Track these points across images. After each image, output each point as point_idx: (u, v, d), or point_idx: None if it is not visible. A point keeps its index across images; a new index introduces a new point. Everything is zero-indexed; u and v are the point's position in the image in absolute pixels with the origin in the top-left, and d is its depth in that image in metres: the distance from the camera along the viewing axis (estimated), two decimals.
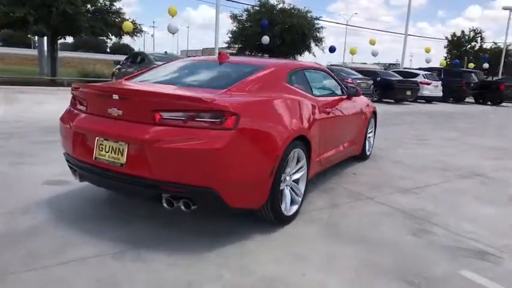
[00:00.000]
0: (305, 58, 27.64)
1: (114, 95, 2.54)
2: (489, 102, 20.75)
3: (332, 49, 25.06)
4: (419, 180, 4.60)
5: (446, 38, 37.85)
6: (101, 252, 2.42)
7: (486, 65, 30.11)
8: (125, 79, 3.34)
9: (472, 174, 5.04)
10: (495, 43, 37.64)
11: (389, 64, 57.87)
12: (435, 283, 2.34)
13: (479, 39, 37.05)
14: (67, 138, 2.81)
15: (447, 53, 37.76)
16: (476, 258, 2.70)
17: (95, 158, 2.59)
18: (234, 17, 26.82)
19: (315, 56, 27.05)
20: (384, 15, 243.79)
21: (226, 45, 26.86)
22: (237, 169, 2.42)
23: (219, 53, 3.55)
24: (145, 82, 3.18)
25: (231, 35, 27.02)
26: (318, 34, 26.03)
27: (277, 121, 2.76)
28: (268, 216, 2.82)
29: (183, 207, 2.43)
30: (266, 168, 2.59)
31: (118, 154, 2.49)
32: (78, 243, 2.51)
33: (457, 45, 36.93)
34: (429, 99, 18.78)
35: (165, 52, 12.29)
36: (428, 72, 18.96)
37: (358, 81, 15.39)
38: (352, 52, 25.23)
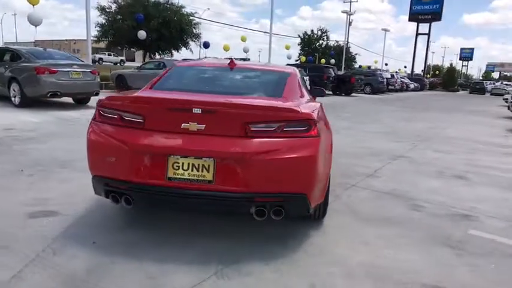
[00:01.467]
0: (183, 54, 27.47)
1: (195, 109, 2.39)
2: (343, 94, 24.22)
3: (206, 45, 25.42)
4: (368, 165, 5.38)
5: (299, 36, 42.60)
6: (198, 275, 2.31)
7: (333, 61, 34.93)
8: (148, 89, 3.05)
9: (397, 156, 6.12)
10: (337, 41, 44.03)
11: (241, 59, 61.26)
12: (465, 244, 2.98)
13: (325, 37, 42.80)
14: (118, 159, 2.48)
15: (300, 50, 42.48)
16: (467, 220, 3.48)
17: (168, 178, 2.40)
18: (102, 9, 24.82)
19: (192, 52, 27.18)
20: (229, 11, 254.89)
21: (95, 38, 24.59)
22: (320, 172, 2.60)
23: (230, 59, 3.54)
24: (187, 92, 2.93)
25: (99, 28, 24.95)
26: (195, 30, 26.17)
27: (326, 123, 3.02)
28: (319, 212, 3.05)
29: (273, 216, 2.49)
30: (330, 167, 2.86)
31: (202, 171, 2.38)
32: (164, 272, 2.33)
33: (309, 43, 41.87)
34: None
35: (44, 49, 10.46)
36: (298, 69, 21.02)
37: None
38: (226, 49, 26.07)
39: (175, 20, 24.10)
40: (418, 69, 60.13)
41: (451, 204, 3.88)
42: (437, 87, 47.16)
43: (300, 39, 42.65)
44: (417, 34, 48.33)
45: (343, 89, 24.08)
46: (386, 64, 52.00)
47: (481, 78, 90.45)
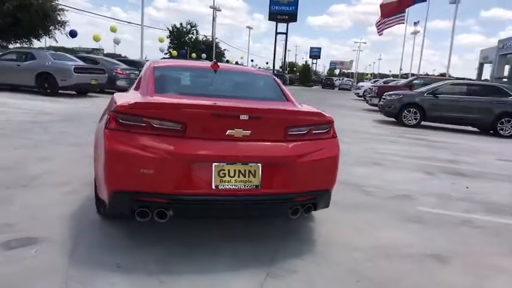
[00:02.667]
0: (46, 43, 23.83)
1: (242, 116, 2.37)
2: None
3: (73, 33, 22.72)
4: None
5: (168, 28, 41.57)
6: (254, 278, 2.35)
7: (204, 55, 35.33)
8: (153, 93, 2.79)
9: None
10: (205, 36, 44.48)
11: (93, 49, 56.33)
12: (422, 218, 3.66)
13: (195, 31, 42.80)
14: (156, 170, 2.28)
15: (170, 43, 41.52)
16: (409, 199, 4.24)
17: (216, 186, 2.35)
18: None
19: (56, 41, 23.78)
20: None
21: None
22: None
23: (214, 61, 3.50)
24: (204, 96, 2.81)
25: None
26: (60, 17, 22.84)
27: None
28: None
29: (304, 213, 2.67)
30: None
31: (249, 176, 2.40)
32: (221, 283, 2.29)
33: (178, 36, 41.24)
34: None
35: None
36: None
37: (127, 72, 15.24)
38: (96, 39, 23.73)
39: (35, 4, 20.72)
40: (277, 65, 65.23)
41: (388, 187, 4.63)
42: (295, 83, 52.27)
43: (168, 32, 41.77)
44: (276, 33, 52.32)
45: None
46: (252, 60, 55.06)
47: (326, 74, 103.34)
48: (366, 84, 25.60)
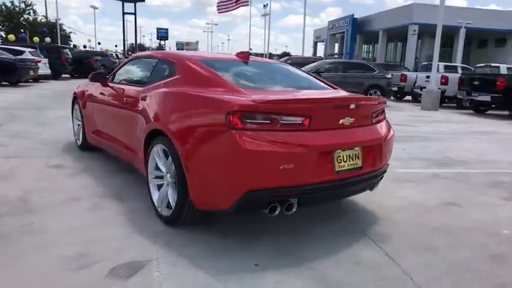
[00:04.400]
0: None
1: (351, 105, 2.59)
2: (83, 77, 22.40)
3: None
4: None
5: None
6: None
7: (48, 39, 30.72)
8: (233, 89, 2.70)
9: None
10: (46, 17, 38.22)
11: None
12: (417, 176, 4.50)
13: (31, 11, 36.26)
14: (295, 165, 2.36)
15: (0, 25, 34.36)
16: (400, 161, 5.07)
17: (337, 172, 2.56)
18: None
19: None
20: None
21: None
22: None
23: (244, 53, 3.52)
24: (275, 90, 3.05)
25: None
26: None
27: None
28: None
29: (376, 186, 3.10)
30: None
31: (355, 160, 2.68)
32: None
33: (10, 17, 34.38)
34: (39, 78, 17.88)
35: None
36: (33, 49, 17.76)
37: None
38: None
39: None
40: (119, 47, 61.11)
41: None
42: None
43: None
44: (124, 13, 49.02)
45: (83, 71, 22.27)
46: (99, 43, 50.27)
47: None
48: None
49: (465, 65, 17.38)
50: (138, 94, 3.43)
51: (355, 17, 48.33)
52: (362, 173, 2.77)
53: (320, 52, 68.98)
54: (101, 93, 4.25)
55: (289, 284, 2.24)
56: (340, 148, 2.61)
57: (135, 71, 4.12)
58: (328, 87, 3.45)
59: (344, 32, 50.50)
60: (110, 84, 4.13)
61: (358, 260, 2.54)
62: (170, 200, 2.85)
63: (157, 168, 3.04)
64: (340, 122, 2.64)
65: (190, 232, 2.79)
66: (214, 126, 2.44)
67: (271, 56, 46.81)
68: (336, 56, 50.59)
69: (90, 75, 4.31)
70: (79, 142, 5.12)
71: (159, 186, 3.04)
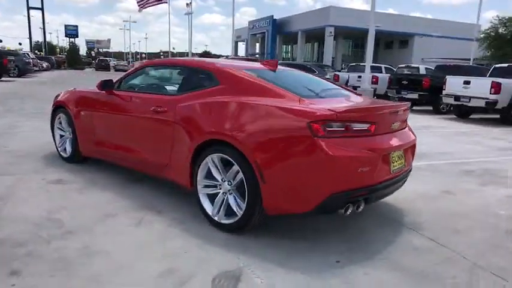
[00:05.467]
0: None
1: (400, 111, 2.91)
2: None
3: None
4: None
5: None
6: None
7: None
8: (286, 95, 2.89)
9: None
10: None
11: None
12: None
13: None
14: (369, 168, 2.62)
15: None
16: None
17: (392, 171, 2.87)
18: None
19: None
20: None
21: None
22: None
23: (273, 61, 3.64)
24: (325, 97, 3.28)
25: None
26: None
27: None
28: None
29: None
30: None
31: (401, 159, 3.03)
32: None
33: None
34: None
35: None
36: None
37: None
38: None
39: None
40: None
41: None
42: (62, 66, 46.36)
43: None
44: (29, 8, 44.59)
45: None
46: (0, 41, 44.91)
47: (85, 55, 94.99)
48: None
49: (389, 66, 19.14)
50: (169, 103, 3.38)
51: (274, 18, 49.91)
52: (404, 171, 3.13)
53: (241, 52, 69.88)
54: (108, 102, 4.03)
55: (375, 274, 2.49)
56: (395, 150, 2.93)
57: (153, 79, 3.99)
58: (353, 92, 3.77)
59: (265, 32, 51.93)
60: (121, 93, 3.95)
61: (414, 246, 2.90)
62: (234, 208, 2.90)
63: (209, 177, 3.06)
64: (391, 127, 2.96)
65: (258, 237, 2.89)
66: (295, 135, 2.58)
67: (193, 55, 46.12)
68: (257, 56, 51.80)
69: (99, 84, 4.05)
70: (65, 154, 4.74)
71: (211, 196, 3.07)
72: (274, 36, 50.17)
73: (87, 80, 21.95)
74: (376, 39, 41.58)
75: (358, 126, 2.67)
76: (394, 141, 2.95)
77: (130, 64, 49.18)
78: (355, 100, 3.42)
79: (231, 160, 2.85)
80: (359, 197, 2.68)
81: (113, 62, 50.60)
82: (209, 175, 3.06)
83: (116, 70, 45.51)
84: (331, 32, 42.10)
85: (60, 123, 4.82)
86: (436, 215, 3.57)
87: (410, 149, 3.22)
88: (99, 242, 2.76)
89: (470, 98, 10.56)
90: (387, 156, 2.84)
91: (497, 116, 10.81)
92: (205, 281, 2.32)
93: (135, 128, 3.75)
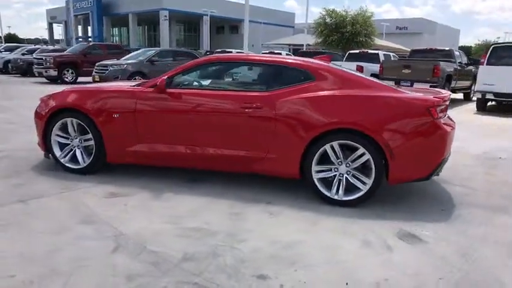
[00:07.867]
0: None
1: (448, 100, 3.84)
2: None
3: None
4: None
5: None
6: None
7: None
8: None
9: None
10: None
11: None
12: None
13: None
14: (451, 140, 3.50)
15: None
16: None
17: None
18: None
19: None
20: None
21: None
22: None
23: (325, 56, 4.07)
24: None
25: None
26: None
27: None
28: None
29: None
30: None
31: None
32: None
33: None
34: None
35: None
36: None
37: None
38: None
39: None
40: None
41: None
42: None
43: None
44: None
45: None
46: None
47: None
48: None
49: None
50: (263, 100, 3.52)
51: None
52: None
53: (57, 35, 61.54)
54: (163, 101, 3.77)
55: (441, 237, 3.39)
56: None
57: (222, 76, 3.87)
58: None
59: (88, 13, 47.34)
60: (181, 91, 3.75)
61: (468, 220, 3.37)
62: (358, 185, 3.40)
63: (323, 162, 3.45)
64: (443, 114, 3.81)
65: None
66: (417, 119, 3.27)
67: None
68: (81, 39, 46.84)
69: (161, 82, 3.68)
70: (76, 165, 4.07)
71: (325, 179, 3.48)
72: (101, 18, 46.21)
73: None
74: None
75: (441, 112, 3.55)
76: (449, 124, 3.77)
77: None
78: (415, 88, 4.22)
79: (356, 145, 3.33)
80: (444, 163, 3.61)
81: None
82: (323, 161, 3.45)
83: None
84: (165, 16, 41.65)
85: (62, 129, 4.08)
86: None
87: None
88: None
89: None
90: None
91: None
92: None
93: (212, 126, 3.68)
